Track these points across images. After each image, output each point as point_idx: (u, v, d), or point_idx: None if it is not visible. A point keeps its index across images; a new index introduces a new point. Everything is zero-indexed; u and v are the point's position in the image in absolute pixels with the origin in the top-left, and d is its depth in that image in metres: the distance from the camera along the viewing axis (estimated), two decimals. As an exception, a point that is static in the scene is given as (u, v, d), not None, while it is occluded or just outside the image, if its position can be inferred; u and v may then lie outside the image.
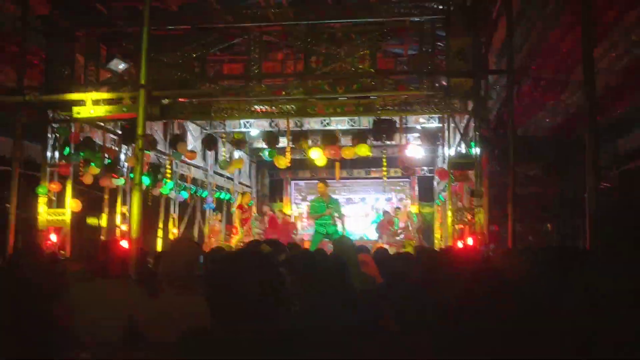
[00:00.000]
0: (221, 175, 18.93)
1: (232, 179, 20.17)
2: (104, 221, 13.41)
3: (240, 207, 16.12)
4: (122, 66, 12.20)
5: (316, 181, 23.17)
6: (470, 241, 10.83)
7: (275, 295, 1.95)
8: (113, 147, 13.29)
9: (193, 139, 16.91)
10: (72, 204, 11.80)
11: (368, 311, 3.31)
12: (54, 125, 11.72)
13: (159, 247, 15.32)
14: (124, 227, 13.56)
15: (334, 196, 22.38)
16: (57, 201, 11.85)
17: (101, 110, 10.85)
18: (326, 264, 3.59)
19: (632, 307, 2.54)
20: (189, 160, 15.97)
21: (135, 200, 6.40)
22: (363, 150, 12.80)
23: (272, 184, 24.26)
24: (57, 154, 11.93)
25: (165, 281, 3.36)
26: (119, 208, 13.80)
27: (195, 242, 4.17)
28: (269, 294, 1.93)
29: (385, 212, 19.19)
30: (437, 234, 19.36)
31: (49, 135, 11.74)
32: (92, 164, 12.11)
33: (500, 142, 11.23)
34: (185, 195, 16.61)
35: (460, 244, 11.46)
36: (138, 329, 3.39)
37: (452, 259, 4.40)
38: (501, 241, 13.24)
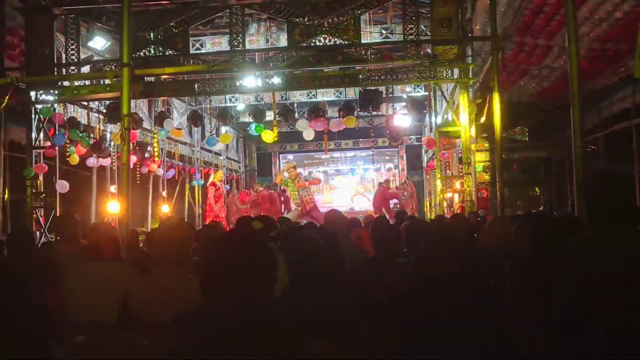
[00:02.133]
0: (209, 151, 18.85)
1: (220, 155, 20.10)
2: (92, 201, 13.34)
3: (212, 184, 16.12)
4: (103, 43, 12.06)
5: (304, 153, 23.27)
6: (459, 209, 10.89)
7: (269, 275, 1.95)
8: (98, 127, 13.16)
9: (179, 116, 16.81)
10: (59, 185, 11.71)
11: (359, 288, 3.33)
12: (37, 106, 11.57)
13: (150, 226, 15.30)
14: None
15: (322, 168, 22.49)
16: (45, 183, 11.77)
17: (85, 90, 10.72)
18: (316, 239, 3.60)
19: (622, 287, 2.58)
20: (175, 137, 15.87)
21: (124, 179, 6.36)
22: (350, 122, 12.76)
23: (260, 158, 24.24)
24: (41, 135, 11.81)
25: (158, 262, 3.35)
26: (108, 187, 13.70)
27: (187, 222, 4.16)
28: (262, 274, 1.93)
29: (380, 184, 19.22)
30: (426, 202, 19.44)
31: (33, 117, 11.60)
32: (78, 144, 12.00)
33: (486, 108, 11.24)
34: (172, 172, 16.55)
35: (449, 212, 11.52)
36: (132, 310, 3.40)
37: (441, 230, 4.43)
38: (490, 207, 13.38)
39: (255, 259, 1.94)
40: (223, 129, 17.57)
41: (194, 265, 3.33)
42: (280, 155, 23.82)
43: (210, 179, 16.51)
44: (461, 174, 11.44)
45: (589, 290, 2.64)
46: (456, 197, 11.91)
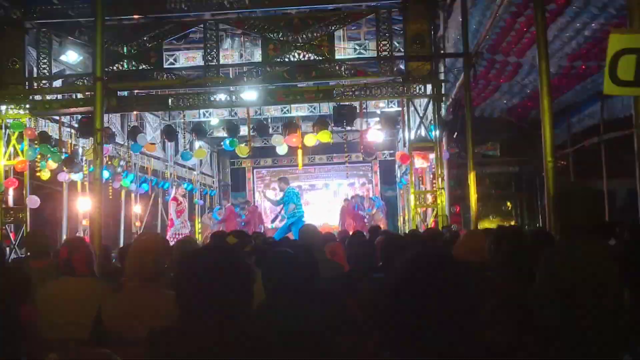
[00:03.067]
0: (182, 165, 18.75)
1: (193, 170, 20.00)
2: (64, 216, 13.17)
3: (174, 199, 16.02)
4: (76, 58, 11.97)
5: (278, 168, 23.25)
6: (432, 223, 10.96)
7: (245, 290, 1.95)
8: (70, 141, 13.00)
9: (152, 130, 16.71)
10: (29, 201, 11.53)
11: (335, 301, 3.34)
12: (7, 120, 11.40)
13: (122, 241, 15.13)
14: (85, 222, 13.34)
15: (296, 183, 22.47)
16: (15, 198, 11.59)
17: (57, 104, 10.61)
18: (292, 253, 3.61)
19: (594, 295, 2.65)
20: (148, 152, 15.75)
21: (96, 194, 6.30)
22: (324, 137, 12.80)
23: (233, 173, 24.14)
24: (11, 149, 11.62)
25: (133, 277, 3.32)
26: (79, 203, 13.55)
27: (161, 237, 4.13)
28: (239, 289, 1.93)
29: (352, 198, 19.29)
30: (400, 217, 19.54)
31: (3, 131, 11.43)
32: (49, 159, 11.84)
33: (458, 123, 11.38)
34: (146, 187, 16.41)
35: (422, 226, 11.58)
36: (106, 326, 3.35)
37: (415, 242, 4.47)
38: (463, 221, 13.49)
39: (231, 273, 1.94)
40: (197, 144, 17.50)
41: (169, 281, 3.30)
42: (255, 170, 23.77)
43: (172, 194, 16.41)
44: (434, 188, 11.53)
45: (564, 299, 2.71)
46: (429, 211, 11.98)
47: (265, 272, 2.96)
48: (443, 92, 11.14)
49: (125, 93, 11.93)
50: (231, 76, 12.71)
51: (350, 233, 8.60)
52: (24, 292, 3.51)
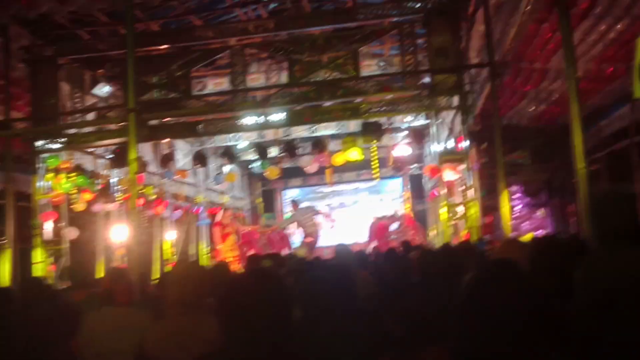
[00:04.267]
0: (213, 190, 18.88)
1: (225, 193, 20.12)
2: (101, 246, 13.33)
3: (218, 224, 15.94)
4: (106, 89, 12.19)
5: (308, 188, 23.30)
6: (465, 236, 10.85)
7: (286, 313, 1.96)
8: (104, 172, 13.22)
9: (183, 156, 16.88)
10: (68, 232, 11.73)
11: (374, 320, 3.32)
12: (43, 155, 11.64)
13: (159, 267, 15.25)
14: (121, 251, 13.46)
15: (324, 201, 22.46)
16: (53, 229, 11.78)
17: (92, 137, 10.80)
18: (330, 272, 3.60)
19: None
20: (180, 179, 15.91)
21: (133, 224, 6.38)
22: (356, 155, 12.78)
23: (264, 195, 24.23)
24: (49, 183, 11.85)
25: (173, 304, 3.34)
26: (114, 232, 13.69)
27: (199, 263, 4.17)
28: (281, 313, 1.93)
29: (384, 216, 19.18)
30: (431, 231, 19.36)
31: (39, 165, 11.66)
32: (82, 190, 12.05)
33: (487, 133, 11.29)
34: (179, 214, 16.55)
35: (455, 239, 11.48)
36: (149, 354, 3.38)
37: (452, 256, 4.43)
38: (496, 232, 13.32)
39: (272, 298, 1.94)
40: (227, 168, 17.63)
41: (209, 307, 3.32)
42: (284, 191, 23.83)
43: (217, 218, 16.34)
44: (465, 200, 11.43)
45: (604, 310, 2.64)
46: (461, 224, 11.88)
47: (303, 293, 2.96)
48: (469, 102, 11.08)
49: (156, 121, 12.10)
50: (258, 99, 12.80)
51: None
52: (75, 326, 3.54)
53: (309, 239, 14.88)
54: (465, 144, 11.02)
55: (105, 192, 12.47)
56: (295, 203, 15.59)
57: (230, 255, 15.08)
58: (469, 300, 1.84)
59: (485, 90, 10.74)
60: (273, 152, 14.41)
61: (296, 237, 18.78)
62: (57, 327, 3.15)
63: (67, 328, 3.34)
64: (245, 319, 1.92)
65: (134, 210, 6.67)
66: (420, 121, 15.51)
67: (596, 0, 7.63)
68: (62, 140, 11.53)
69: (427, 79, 11.56)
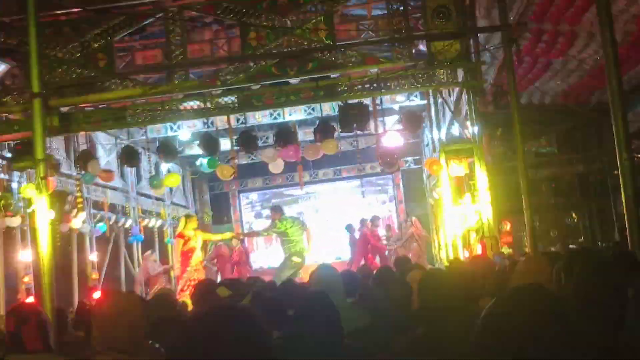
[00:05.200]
0: (148, 196, 18.79)
1: (162, 200, 20.04)
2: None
3: (180, 235, 15.64)
4: (1, 68, 12.02)
5: (271, 190, 23.29)
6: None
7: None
8: (2, 176, 13.06)
9: (106, 154, 16.76)
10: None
11: None
12: None
13: (75, 301, 15.12)
14: (27, 279, 13.31)
15: (293, 208, 22.53)
16: None
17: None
18: (307, 303, 3.62)
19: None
20: (104, 182, 15.79)
21: (45, 242, 6.34)
22: (330, 147, 12.84)
23: (214, 201, 24.12)
24: None
25: (102, 350, 3.32)
26: (18, 255, 13.55)
27: (137, 295, 4.16)
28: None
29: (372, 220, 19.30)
30: (433, 241, 19.49)
31: None
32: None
33: (501, 116, 11.40)
34: (103, 228, 16.44)
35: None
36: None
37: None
38: (517, 242, 13.45)
39: (243, 347, 1.94)
40: (165, 167, 17.54)
41: (152, 352, 3.32)
42: (241, 195, 23.78)
43: (178, 229, 16.04)
44: (477, 202, 11.50)
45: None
46: (472, 232, 11.97)
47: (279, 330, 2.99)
48: (478, 77, 11.13)
49: (69, 108, 11.97)
50: (203, 77, 12.75)
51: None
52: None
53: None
54: (474, 129, 11.10)
55: (4, 203, 12.30)
56: (276, 210, 15.47)
57: (195, 277, 14.80)
58: (485, 337, 1.87)
59: (498, 61, 10.85)
60: (225, 144, 14.36)
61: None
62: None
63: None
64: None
65: (43, 226, 6.60)
66: (416, 102, 15.59)
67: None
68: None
69: (422, 47, 11.62)
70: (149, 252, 18.10)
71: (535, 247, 9.52)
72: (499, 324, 1.80)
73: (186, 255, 14.48)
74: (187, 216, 16.02)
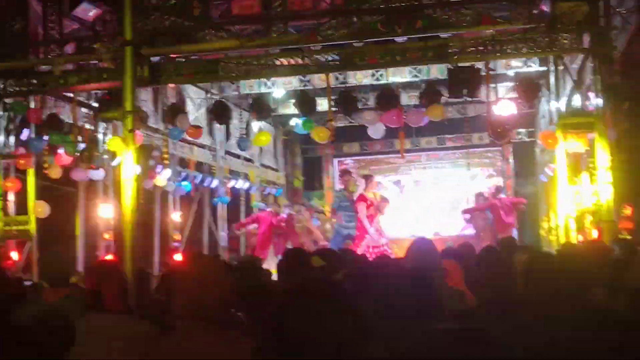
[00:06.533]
0: (237, 156, 18.97)
1: (251, 161, 20.19)
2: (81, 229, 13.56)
3: (362, 198, 15.45)
4: (93, 12, 12.29)
5: (369, 157, 23.23)
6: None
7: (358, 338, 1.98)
8: (87, 126, 13.37)
9: (195, 109, 16.97)
10: (36, 208, 11.97)
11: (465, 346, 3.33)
12: (6, 100, 11.86)
13: (157, 260, 15.48)
14: (107, 236, 13.64)
15: (393, 178, 22.43)
16: (17, 204, 12.03)
17: (73, 78, 10.93)
18: (399, 279, 3.61)
19: None
20: (191, 139, 16.04)
21: (131, 198, 6.51)
22: (436, 112, 12.70)
23: (306, 165, 24.15)
24: (12, 139, 12.09)
25: (184, 315, 3.34)
26: (99, 210, 13.86)
27: (222, 261, 4.22)
28: (350, 338, 1.96)
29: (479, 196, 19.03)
30: (543, 223, 19.19)
31: (1, 114, 11.90)
32: (61, 150, 12.23)
33: (631, 88, 11.08)
34: (188, 187, 16.73)
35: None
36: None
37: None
38: (639, 229, 13.09)
39: (340, 326, 1.96)
40: (256, 126, 17.68)
41: (239, 323, 3.36)
42: (335, 161, 23.76)
43: (358, 191, 15.91)
44: (595, 182, 11.27)
45: None
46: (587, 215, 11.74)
47: (368, 308, 2.99)
48: (606, 44, 10.85)
49: (159, 58, 12.17)
50: (302, 31, 12.77)
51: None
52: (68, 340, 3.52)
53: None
54: (597, 101, 10.84)
55: (88, 154, 12.60)
56: (346, 174, 15.33)
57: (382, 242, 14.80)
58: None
59: (631, 26, 10.51)
60: (322, 105, 14.37)
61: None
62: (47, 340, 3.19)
63: (57, 341, 3.36)
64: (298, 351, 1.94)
65: (127, 180, 6.78)
66: (534, 68, 15.27)
67: None
68: (31, 81, 11.72)
69: (545, 8, 11.36)
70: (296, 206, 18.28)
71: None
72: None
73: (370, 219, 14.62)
74: (366, 176, 15.97)
